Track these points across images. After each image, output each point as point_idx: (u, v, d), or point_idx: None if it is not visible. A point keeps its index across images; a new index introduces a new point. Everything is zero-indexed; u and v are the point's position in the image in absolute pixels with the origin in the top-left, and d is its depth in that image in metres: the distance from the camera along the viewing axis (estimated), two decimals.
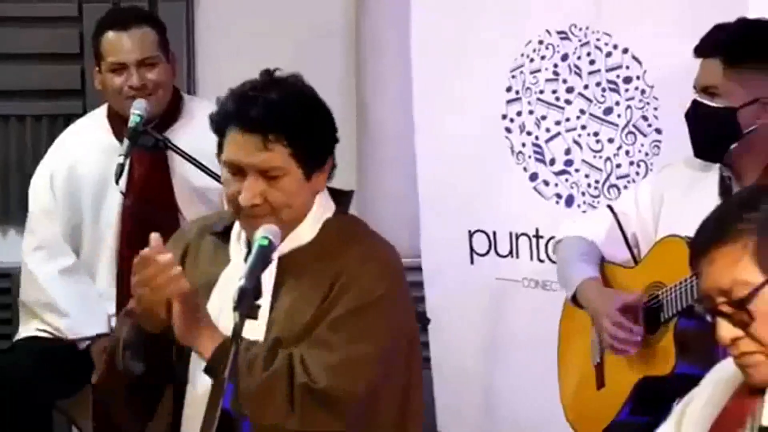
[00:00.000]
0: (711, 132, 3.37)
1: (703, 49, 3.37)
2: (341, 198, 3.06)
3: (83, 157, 4.15)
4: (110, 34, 4.05)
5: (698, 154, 3.41)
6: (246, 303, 2.50)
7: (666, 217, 3.44)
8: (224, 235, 2.99)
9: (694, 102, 3.38)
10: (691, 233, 3.02)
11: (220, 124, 2.86)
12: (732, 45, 3.33)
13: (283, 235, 2.88)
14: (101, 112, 4.19)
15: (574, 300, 3.54)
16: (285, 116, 2.84)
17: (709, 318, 2.29)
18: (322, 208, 2.98)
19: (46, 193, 4.16)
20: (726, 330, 2.22)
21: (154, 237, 2.73)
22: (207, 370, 2.72)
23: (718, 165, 3.40)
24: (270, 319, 2.86)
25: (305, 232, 2.92)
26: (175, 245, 3.03)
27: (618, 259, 3.60)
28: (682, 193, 3.37)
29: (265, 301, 2.80)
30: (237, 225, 2.97)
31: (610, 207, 3.68)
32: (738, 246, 2.21)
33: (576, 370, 3.73)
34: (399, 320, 2.98)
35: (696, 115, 3.38)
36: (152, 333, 2.76)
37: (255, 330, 2.81)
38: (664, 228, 3.39)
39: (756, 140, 3.33)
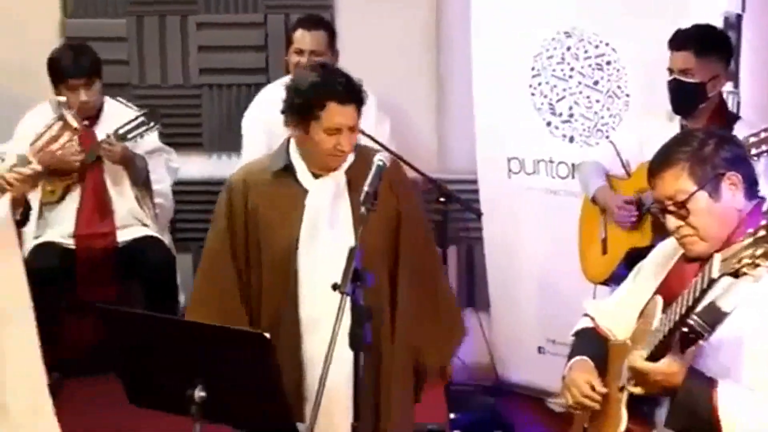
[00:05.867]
0: (689, 98, 3.99)
1: (678, 44, 4.00)
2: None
3: (275, 106, 4.03)
4: (299, 30, 4.79)
5: (677, 111, 4.02)
6: (368, 201, 3.04)
7: (647, 148, 3.80)
8: (284, 171, 3.37)
9: (676, 80, 3.96)
10: None
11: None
12: (700, 42, 3.99)
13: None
14: (286, 78, 4.22)
15: (593, 199, 4.22)
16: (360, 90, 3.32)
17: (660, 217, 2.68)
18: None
19: (254, 126, 4.87)
20: (671, 222, 2.66)
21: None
22: None
23: (679, 117, 4.04)
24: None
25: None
26: (234, 199, 3.36)
27: (617, 173, 4.27)
28: (658, 135, 3.51)
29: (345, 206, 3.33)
30: (301, 163, 3.36)
31: (611, 142, 4.33)
32: (678, 168, 2.63)
33: (589, 243, 4.35)
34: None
35: (678, 88, 4.00)
36: None
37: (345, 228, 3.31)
38: (647, 155, 3.34)
39: (711, 101, 4.02)
